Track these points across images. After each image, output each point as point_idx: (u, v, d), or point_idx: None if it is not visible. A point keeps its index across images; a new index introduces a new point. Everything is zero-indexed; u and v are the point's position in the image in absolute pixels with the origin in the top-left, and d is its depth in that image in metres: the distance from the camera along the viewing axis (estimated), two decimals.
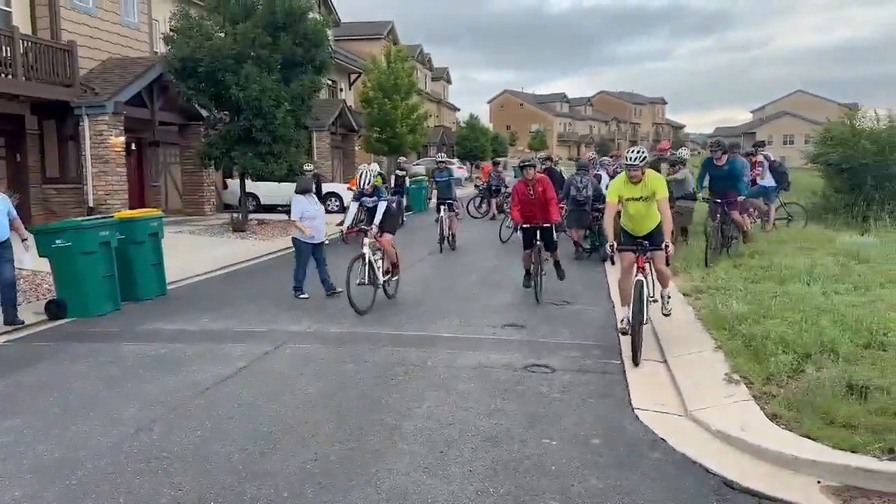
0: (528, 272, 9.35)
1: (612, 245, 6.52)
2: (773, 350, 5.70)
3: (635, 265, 6.48)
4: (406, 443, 4.65)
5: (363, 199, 9.30)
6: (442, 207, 14.40)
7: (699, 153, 62.81)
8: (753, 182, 13.91)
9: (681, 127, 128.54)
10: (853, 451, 4.09)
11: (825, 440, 4.25)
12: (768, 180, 13.76)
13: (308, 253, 9.69)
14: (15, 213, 8.39)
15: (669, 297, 7.15)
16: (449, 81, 64.56)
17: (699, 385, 5.51)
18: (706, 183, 11.06)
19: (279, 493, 3.96)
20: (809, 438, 4.32)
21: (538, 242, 9.09)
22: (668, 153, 14.24)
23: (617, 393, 5.62)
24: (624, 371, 6.15)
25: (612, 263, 7.34)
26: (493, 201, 20.68)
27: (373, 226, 8.94)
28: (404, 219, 19.05)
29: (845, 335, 5.93)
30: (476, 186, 25.59)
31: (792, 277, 8.50)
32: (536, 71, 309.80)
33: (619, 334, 6.99)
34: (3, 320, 8.12)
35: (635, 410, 5.23)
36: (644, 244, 6.55)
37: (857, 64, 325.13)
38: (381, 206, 9.03)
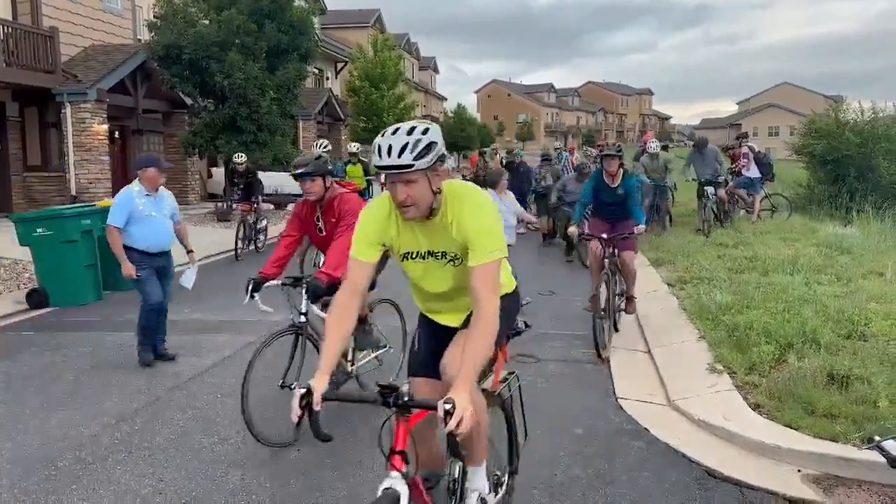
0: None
1: (296, 393, 2.56)
2: (756, 340, 5.74)
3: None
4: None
5: None
6: None
7: (685, 144, 62.92)
8: (738, 173, 14.00)
9: (667, 118, 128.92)
10: (833, 441, 4.13)
11: (806, 429, 4.29)
12: (753, 171, 13.85)
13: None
14: (179, 216, 6.44)
15: None
16: (436, 71, 64.34)
17: (682, 375, 5.54)
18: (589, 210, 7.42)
19: (262, 485, 3.94)
20: (791, 428, 4.36)
21: (302, 317, 4.68)
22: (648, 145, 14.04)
23: (600, 383, 5.64)
24: (608, 361, 6.17)
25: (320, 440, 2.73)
26: None
27: None
28: None
29: (827, 325, 5.99)
30: (463, 177, 25.54)
31: (775, 268, 8.57)
32: (523, 62, 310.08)
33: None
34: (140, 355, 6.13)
35: (619, 400, 5.25)
36: (395, 397, 2.41)
37: (841, 57, 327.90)
38: None
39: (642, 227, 6.65)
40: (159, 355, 6.21)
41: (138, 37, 20.35)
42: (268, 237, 13.54)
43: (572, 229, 7.27)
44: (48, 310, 8.45)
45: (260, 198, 13.14)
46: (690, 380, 5.41)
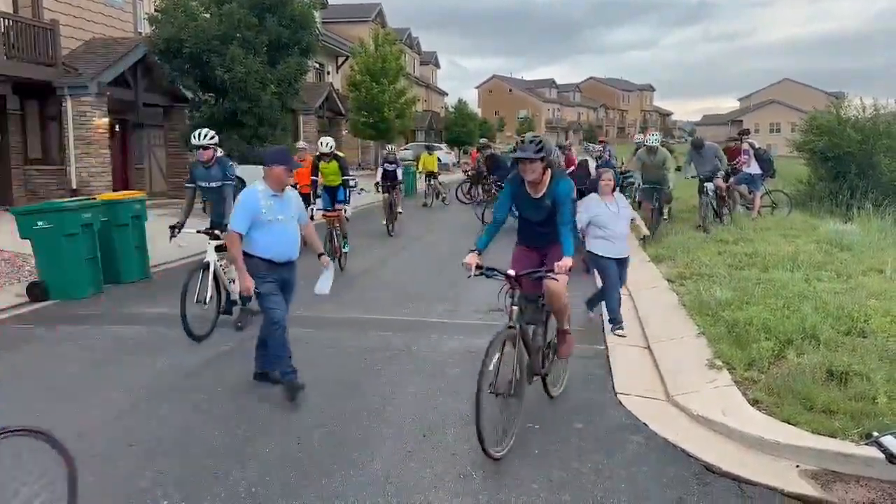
0: None
1: None
2: (756, 336, 5.75)
3: None
4: (389, 427, 4.65)
5: None
6: (211, 250, 7.13)
7: (686, 140, 62.73)
8: (738, 170, 13.97)
9: (668, 114, 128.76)
10: (832, 436, 4.15)
11: (804, 425, 4.30)
12: (754, 168, 13.83)
13: (614, 272, 6.87)
14: (306, 217, 5.62)
15: None
16: (437, 66, 64.24)
17: (681, 370, 5.55)
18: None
19: (262, 477, 3.96)
20: (789, 424, 4.37)
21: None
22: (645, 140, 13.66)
23: (600, 378, 5.65)
24: (607, 356, 6.18)
25: None
26: (480, 187, 20.63)
27: None
28: (400, 210, 15.23)
29: (826, 322, 5.99)
30: (464, 172, 25.50)
31: (775, 264, 8.56)
32: (524, 57, 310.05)
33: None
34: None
35: (618, 395, 5.26)
36: None
37: (841, 55, 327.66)
38: None
39: (569, 260, 4.45)
40: (273, 377, 5.32)
41: (139, 30, 20.31)
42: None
43: (468, 259, 4.58)
44: (48, 303, 8.46)
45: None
46: (690, 375, 5.41)
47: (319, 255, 5.49)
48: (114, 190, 16.40)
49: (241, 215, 5.11)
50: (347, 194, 10.63)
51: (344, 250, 10.39)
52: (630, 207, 7.17)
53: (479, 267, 4.53)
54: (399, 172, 15.65)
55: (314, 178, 10.94)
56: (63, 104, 16.43)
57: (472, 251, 4.62)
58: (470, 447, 4.33)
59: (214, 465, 4.10)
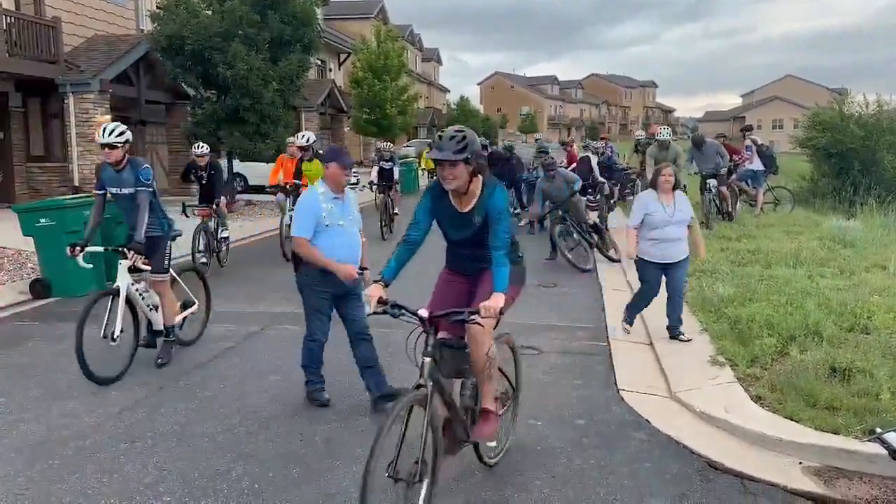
0: None
1: None
2: (759, 333, 5.76)
3: None
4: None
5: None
6: (123, 272, 5.79)
7: (688, 137, 62.66)
8: (736, 168, 13.95)
9: (671, 111, 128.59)
10: (835, 433, 4.15)
11: (807, 422, 4.30)
12: (756, 164, 13.81)
13: (656, 278, 6.26)
14: (361, 222, 5.13)
15: None
16: (439, 62, 64.21)
17: (684, 367, 5.55)
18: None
19: (264, 473, 3.96)
20: (792, 420, 4.37)
21: None
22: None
23: (602, 374, 5.65)
24: (609, 353, 6.18)
25: None
26: None
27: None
28: (396, 211, 13.90)
29: (829, 318, 6.00)
30: None
31: (778, 261, 8.56)
32: (526, 53, 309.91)
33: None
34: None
35: (620, 391, 5.25)
36: None
37: (844, 51, 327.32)
38: None
39: (500, 298, 3.43)
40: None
41: (141, 27, 20.31)
42: (230, 246, 10.89)
43: (370, 290, 3.52)
44: (51, 300, 8.47)
45: (223, 199, 10.32)
46: (692, 372, 5.41)
47: (362, 270, 4.94)
48: None
49: (303, 218, 4.79)
50: None
51: None
52: (689, 208, 6.29)
53: (382, 302, 3.42)
54: (396, 171, 14.30)
55: (297, 181, 9.99)
56: (65, 101, 16.44)
57: (377, 281, 3.54)
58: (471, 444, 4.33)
59: (217, 461, 4.11)
